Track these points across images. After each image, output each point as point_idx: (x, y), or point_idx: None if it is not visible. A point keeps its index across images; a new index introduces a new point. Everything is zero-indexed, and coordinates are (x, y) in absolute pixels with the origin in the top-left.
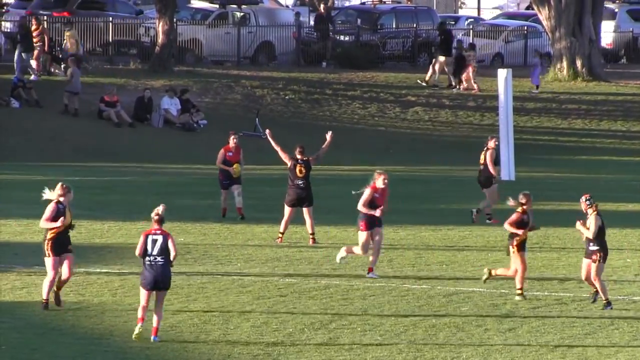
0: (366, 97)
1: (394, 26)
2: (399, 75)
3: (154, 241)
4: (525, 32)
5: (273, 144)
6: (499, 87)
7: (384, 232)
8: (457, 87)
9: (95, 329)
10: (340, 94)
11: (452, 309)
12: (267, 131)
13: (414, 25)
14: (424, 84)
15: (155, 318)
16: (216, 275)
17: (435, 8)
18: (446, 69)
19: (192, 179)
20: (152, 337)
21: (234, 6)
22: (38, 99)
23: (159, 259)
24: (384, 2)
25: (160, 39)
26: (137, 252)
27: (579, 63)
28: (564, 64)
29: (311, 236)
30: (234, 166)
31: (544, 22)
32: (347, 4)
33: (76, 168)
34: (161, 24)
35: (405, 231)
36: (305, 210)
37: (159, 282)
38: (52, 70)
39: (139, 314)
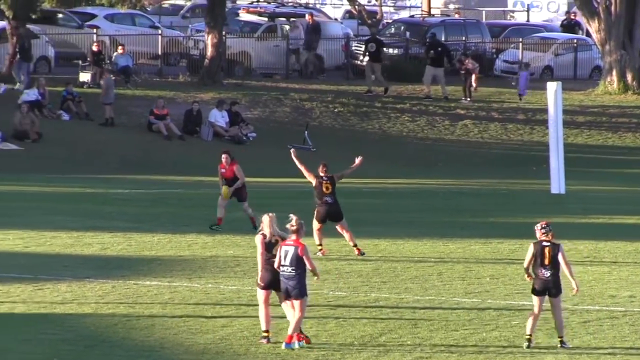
0: (415, 110)
1: (443, 39)
2: (448, 88)
3: (286, 252)
4: (575, 45)
5: (297, 163)
6: (549, 100)
7: (434, 245)
8: (466, 98)
9: (145, 342)
10: (389, 107)
11: (502, 322)
12: (292, 150)
13: (463, 38)
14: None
15: (290, 327)
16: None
17: (484, 20)
18: (439, 81)
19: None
20: (283, 345)
21: (283, 19)
22: (88, 111)
23: (290, 269)
24: (433, 15)
25: (210, 52)
26: (275, 264)
27: (629, 76)
28: (614, 77)
29: (355, 248)
30: (223, 189)
31: (594, 35)
32: (395, 16)
33: (125, 181)
34: (210, 37)
35: (455, 244)
36: (338, 226)
37: (290, 292)
38: (101, 83)
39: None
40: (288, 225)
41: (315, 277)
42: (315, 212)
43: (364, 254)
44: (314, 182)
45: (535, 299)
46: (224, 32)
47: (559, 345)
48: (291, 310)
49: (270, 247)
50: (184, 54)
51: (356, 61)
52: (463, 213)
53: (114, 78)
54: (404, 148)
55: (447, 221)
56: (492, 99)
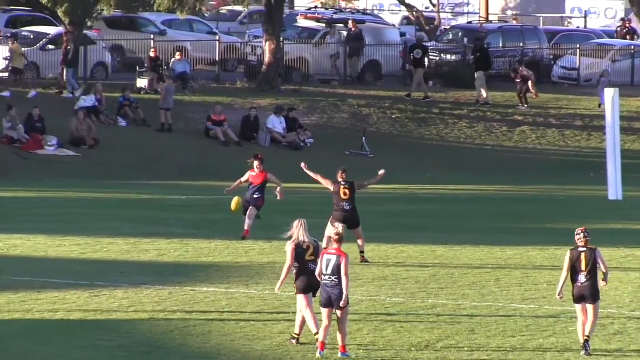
0: (473, 116)
1: (500, 45)
2: (505, 94)
3: (328, 260)
4: (633, 51)
5: (311, 175)
6: (606, 107)
7: (492, 252)
8: (523, 104)
9: (202, 348)
10: (447, 113)
11: (559, 329)
12: (303, 164)
13: (521, 45)
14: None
15: (339, 336)
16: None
17: (542, 26)
18: (478, 85)
19: (299, 198)
20: (339, 354)
21: (341, 25)
22: (145, 117)
23: (332, 278)
24: (491, 21)
25: (267, 58)
26: (317, 272)
27: None
28: None
29: (361, 254)
30: (234, 200)
31: None
32: (453, 23)
33: (182, 187)
34: (268, 43)
35: (513, 251)
36: (353, 232)
37: (333, 301)
38: (159, 89)
39: (320, 337)
40: (332, 234)
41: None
42: (331, 218)
43: (367, 261)
44: (332, 187)
45: (576, 307)
46: (281, 38)
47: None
48: (326, 319)
49: (302, 253)
50: (242, 60)
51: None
52: (521, 219)
53: (173, 84)
54: (461, 154)
55: (505, 227)
56: (550, 106)
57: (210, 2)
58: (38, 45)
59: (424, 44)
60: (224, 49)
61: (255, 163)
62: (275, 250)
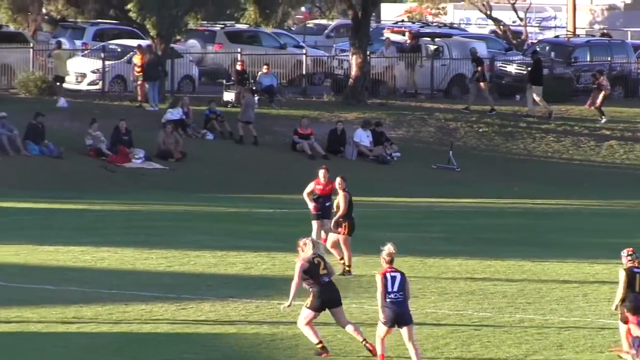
0: (560, 130)
1: (588, 59)
2: (592, 109)
3: (393, 278)
4: None
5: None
6: None
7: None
8: (602, 118)
9: None
10: (534, 127)
11: None
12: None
13: (609, 59)
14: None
15: (412, 351)
16: (410, 308)
17: (629, 40)
18: (537, 99)
19: (385, 211)
20: None
21: (427, 39)
22: (232, 130)
23: (399, 295)
24: (578, 35)
25: (354, 71)
26: (379, 291)
27: None
28: None
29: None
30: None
31: None
32: (540, 37)
33: (269, 200)
34: (355, 56)
35: (600, 265)
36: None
37: (402, 318)
38: (242, 101)
39: (378, 350)
40: (384, 254)
41: None
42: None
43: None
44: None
45: (621, 326)
46: (368, 52)
47: None
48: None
49: (315, 269)
50: (328, 74)
51: (502, 81)
52: (608, 234)
53: (258, 97)
54: (548, 168)
55: (593, 242)
56: (638, 120)
57: (297, 16)
58: (124, 58)
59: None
60: (310, 62)
61: (322, 172)
62: (362, 264)
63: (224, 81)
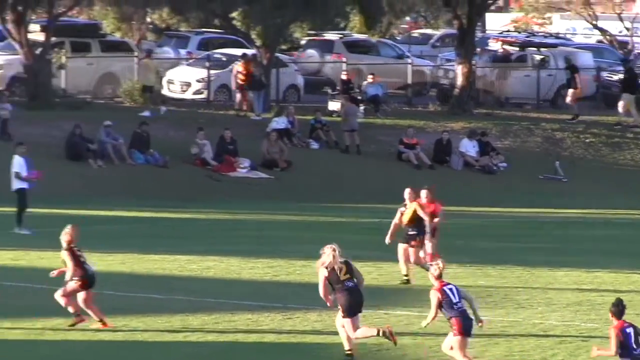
0: None
1: None
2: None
3: (451, 290)
4: None
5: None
6: None
7: None
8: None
9: None
10: None
11: None
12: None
13: None
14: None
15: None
16: (517, 319)
17: None
18: (632, 109)
19: (492, 221)
20: None
21: (533, 49)
22: (337, 140)
23: (461, 304)
24: None
25: (460, 81)
26: (433, 307)
27: None
28: None
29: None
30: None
31: None
32: None
33: (374, 210)
34: (461, 66)
35: None
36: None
37: (470, 329)
38: (343, 110)
39: None
40: (433, 271)
41: None
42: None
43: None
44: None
45: None
46: (474, 62)
47: None
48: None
49: (336, 275)
50: (434, 83)
51: (608, 91)
52: None
53: (363, 107)
54: None
55: None
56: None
57: (402, 25)
58: (229, 67)
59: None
60: (415, 72)
61: (424, 192)
62: (469, 275)
63: (329, 91)
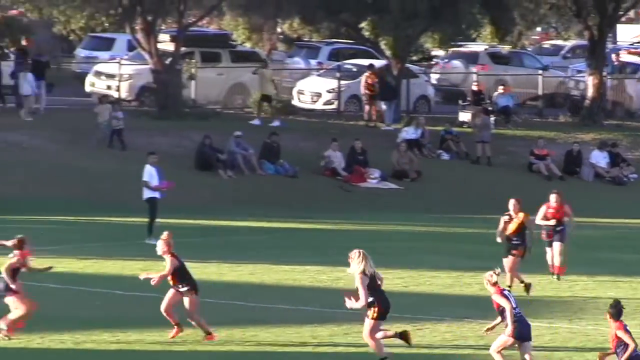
0: None
1: None
2: None
3: (511, 296)
4: None
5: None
6: None
7: None
8: None
9: None
10: None
11: None
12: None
13: None
14: None
15: None
16: None
17: None
18: None
19: (622, 233)
20: None
21: None
22: (467, 151)
23: (520, 311)
24: None
25: (590, 92)
26: (509, 311)
27: None
28: None
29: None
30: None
31: None
32: None
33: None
34: (591, 77)
35: None
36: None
37: (527, 334)
38: (477, 122)
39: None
40: (488, 277)
41: None
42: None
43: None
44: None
45: None
46: (604, 73)
47: None
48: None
49: (374, 282)
50: (565, 95)
51: None
52: None
53: (494, 118)
54: None
55: None
56: None
57: (533, 36)
58: (359, 78)
59: None
60: (547, 83)
61: (554, 196)
62: (597, 286)
63: (460, 101)
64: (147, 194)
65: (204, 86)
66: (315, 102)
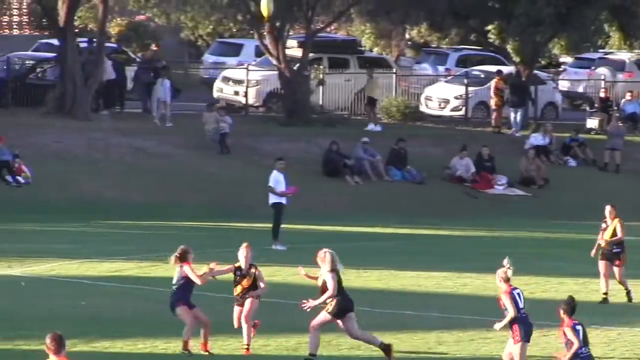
0: None
1: None
2: None
3: (519, 295)
4: None
5: None
6: None
7: None
8: None
9: None
10: None
11: None
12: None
13: None
14: None
15: None
16: None
17: None
18: None
19: None
20: None
21: None
22: (595, 158)
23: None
24: None
25: None
26: (514, 310)
27: None
28: None
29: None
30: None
31: None
32: None
33: (630, 228)
34: None
35: None
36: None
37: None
38: (608, 129)
39: None
40: (501, 274)
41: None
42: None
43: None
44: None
45: None
46: None
47: None
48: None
49: (340, 281)
50: None
51: None
52: None
53: (621, 124)
54: None
55: None
56: None
57: None
58: (487, 84)
59: None
60: None
61: None
62: None
63: (588, 108)
64: (272, 199)
65: (331, 92)
66: (442, 108)
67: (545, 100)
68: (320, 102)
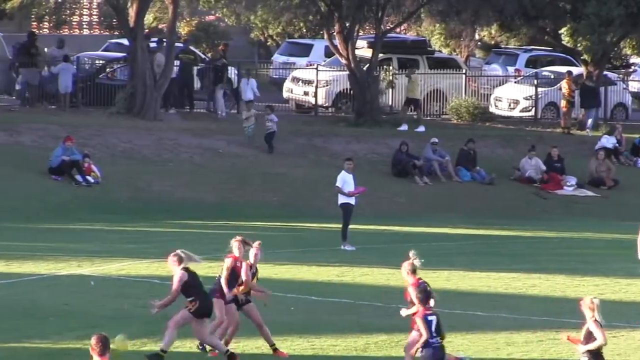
0: None
1: None
2: None
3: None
4: None
5: None
6: None
7: None
8: None
9: None
10: None
11: None
12: None
13: None
14: None
15: None
16: None
17: None
18: None
19: None
20: None
21: None
22: None
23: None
24: None
25: None
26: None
27: None
28: None
29: None
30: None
31: None
32: None
33: None
34: None
35: None
36: None
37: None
38: None
39: None
40: (408, 265)
41: None
42: None
43: None
44: None
45: None
46: None
47: None
48: None
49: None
50: None
51: None
52: None
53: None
54: None
55: None
56: None
57: None
58: (557, 85)
59: None
60: None
61: None
62: None
63: None
64: (341, 199)
65: (400, 93)
66: (512, 109)
67: (615, 101)
68: (390, 103)
